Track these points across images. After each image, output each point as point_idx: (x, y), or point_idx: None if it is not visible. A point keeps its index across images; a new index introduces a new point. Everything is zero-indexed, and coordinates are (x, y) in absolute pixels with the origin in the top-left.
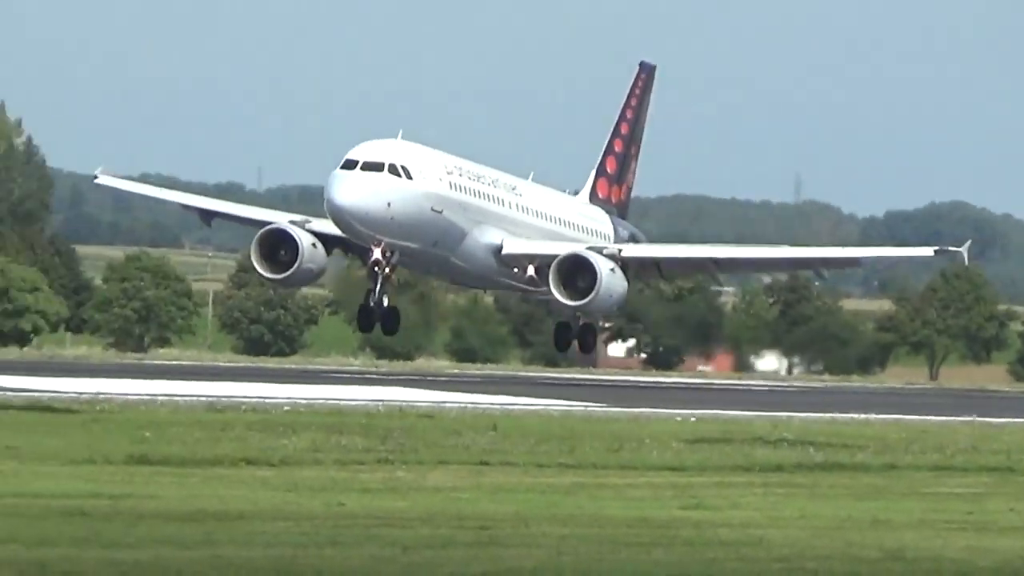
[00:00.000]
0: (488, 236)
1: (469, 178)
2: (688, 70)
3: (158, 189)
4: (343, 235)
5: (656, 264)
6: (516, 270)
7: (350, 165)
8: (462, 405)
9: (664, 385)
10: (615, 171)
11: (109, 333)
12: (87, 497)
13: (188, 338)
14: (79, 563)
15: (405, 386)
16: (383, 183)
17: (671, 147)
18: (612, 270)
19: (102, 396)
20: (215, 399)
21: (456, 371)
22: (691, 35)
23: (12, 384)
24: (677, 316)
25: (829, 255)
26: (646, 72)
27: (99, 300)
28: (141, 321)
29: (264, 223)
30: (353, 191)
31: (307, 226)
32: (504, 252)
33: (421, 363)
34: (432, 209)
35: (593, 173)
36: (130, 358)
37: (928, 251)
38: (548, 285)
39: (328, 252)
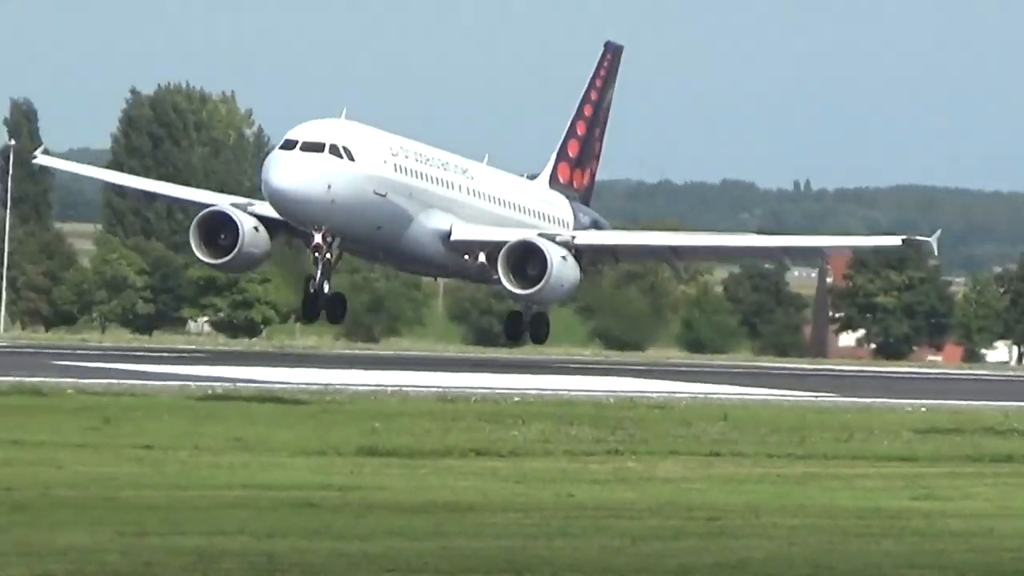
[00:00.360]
0: (436, 221)
1: (416, 160)
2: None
3: (97, 170)
4: None
5: (612, 252)
6: (467, 257)
7: (289, 145)
8: (693, 395)
9: (894, 375)
10: (577, 155)
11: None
12: (316, 489)
13: (418, 329)
14: (308, 554)
15: (635, 376)
16: (323, 164)
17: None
18: (564, 258)
19: (332, 387)
20: (445, 390)
21: (687, 361)
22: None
23: (242, 375)
24: (907, 305)
25: (790, 244)
26: (611, 52)
27: None
28: (372, 312)
29: (204, 205)
30: (291, 173)
31: (249, 209)
32: (453, 238)
33: (651, 354)
34: (375, 192)
35: (554, 157)
36: (359, 348)
37: (896, 240)
38: (497, 272)
39: (272, 236)
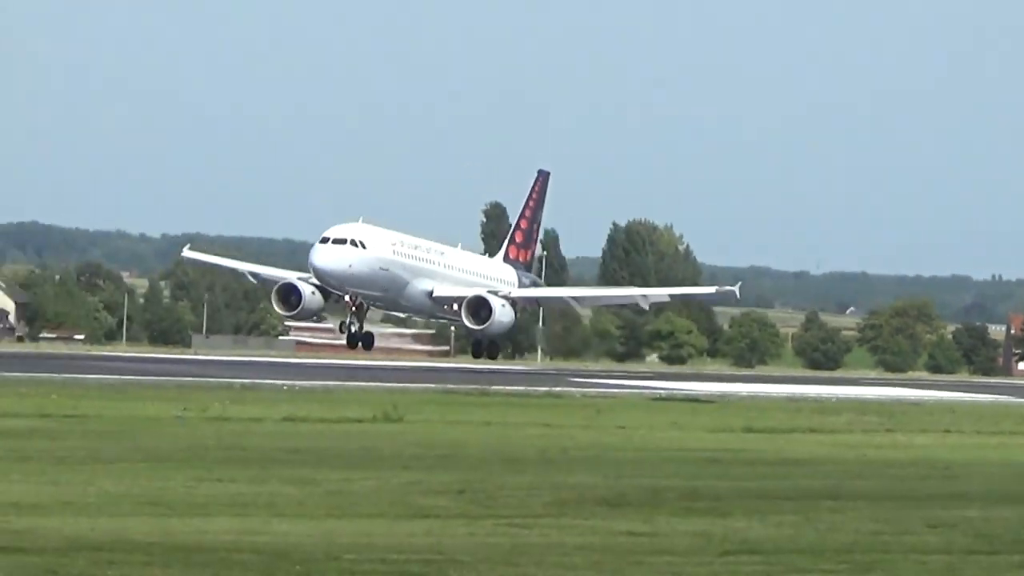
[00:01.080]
0: (424, 285)
1: (409, 248)
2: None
3: (231, 261)
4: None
5: (536, 300)
6: (446, 307)
7: (325, 240)
8: (935, 399)
9: None
10: (522, 241)
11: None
12: (718, 451)
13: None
14: (718, 489)
15: (899, 387)
16: (346, 252)
17: None
18: (503, 305)
19: (728, 395)
20: (791, 395)
21: (933, 378)
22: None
23: (677, 386)
24: None
25: (644, 293)
26: (541, 176)
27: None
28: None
29: (282, 279)
30: (326, 257)
31: (309, 280)
32: (434, 295)
33: (910, 374)
34: (380, 268)
35: (506, 243)
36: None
37: (710, 290)
38: (462, 316)
39: (325, 298)
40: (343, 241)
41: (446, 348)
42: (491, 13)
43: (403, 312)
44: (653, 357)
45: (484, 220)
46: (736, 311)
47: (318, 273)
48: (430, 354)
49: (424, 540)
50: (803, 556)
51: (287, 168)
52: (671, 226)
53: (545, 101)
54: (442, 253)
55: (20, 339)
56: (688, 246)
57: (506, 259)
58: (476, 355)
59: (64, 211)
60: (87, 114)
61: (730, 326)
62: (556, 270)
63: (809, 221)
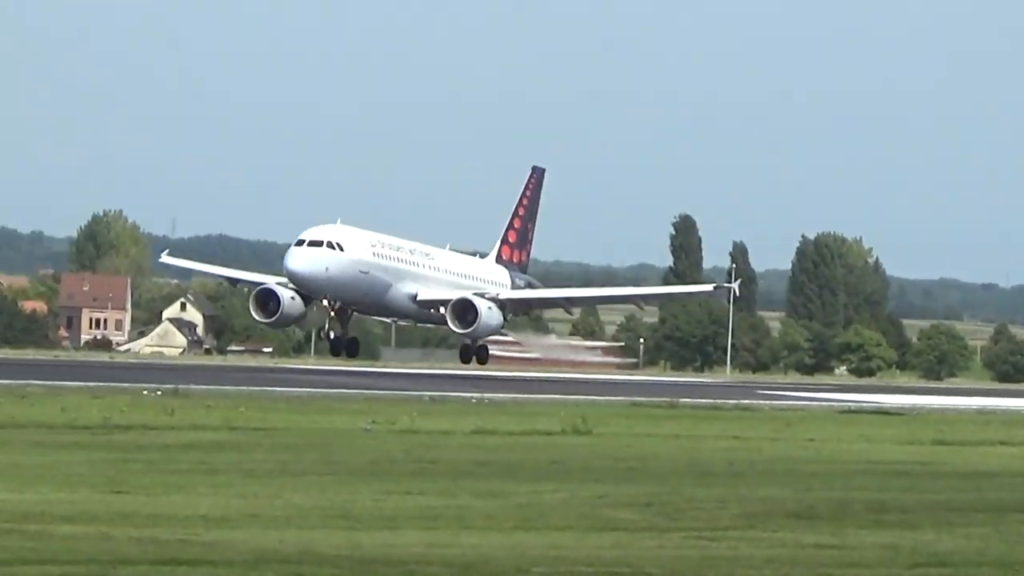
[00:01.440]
0: (407, 288)
1: (390, 249)
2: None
3: (206, 265)
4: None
5: (527, 303)
6: (432, 310)
7: (300, 243)
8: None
9: None
10: (515, 241)
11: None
12: (904, 463)
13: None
14: (905, 502)
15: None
16: (322, 255)
17: None
18: (489, 308)
19: (916, 406)
20: (981, 408)
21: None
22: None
23: (862, 399)
24: None
25: (643, 292)
26: (537, 174)
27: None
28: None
29: (259, 283)
30: (302, 260)
31: (288, 285)
32: (419, 299)
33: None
34: (360, 271)
35: (498, 243)
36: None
37: (707, 287)
38: (447, 320)
39: (306, 303)
40: (319, 243)
41: (634, 360)
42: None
43: (387, 316)
44: (842, 370)
45: (673, 233)
46: (925, 323)
47: (293, 278)
48: (618, 367)
49: (612, 553)
50: (992, 569)
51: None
52: (860, 239)
53: (738, 113)
54: (427, 255)
55: (208, 352)
56: (878, 259)
57: (499, 260)
58: (464, 360)
59: (252, 224)
60: (269, 128)
61: (919, 339)
62: (746, 282)
63: (999, 233)
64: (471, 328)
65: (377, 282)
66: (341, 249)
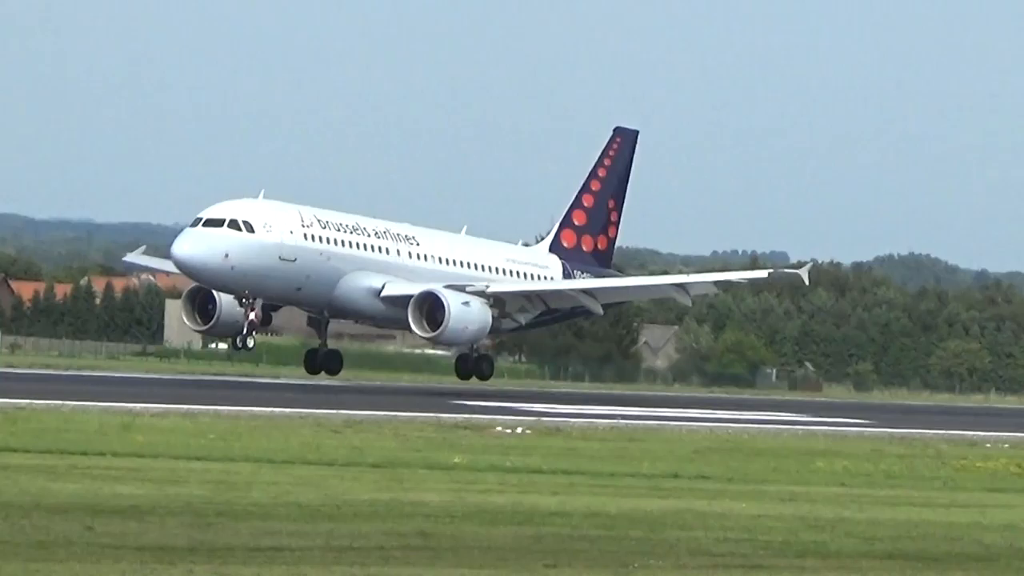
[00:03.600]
0: (366, 280)
1: (337, 230)
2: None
3: (156, 260)
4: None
5: (528, 296)
6: (400, 308)
7: (196, 223)
8: None
9: None
10: (585, 224)
11: None
12: None
13: None
14: None
15: None
16: (219, 237)
17: None
18: (466, 303)
19: None
20: None
21: None
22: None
23: None
24: None
25: (672, 281)
26: (622, 136)
27: None
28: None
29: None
30: (191, 245)
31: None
32: (384, 294)
33: None
34: (280, 258)
35: (555, 227)
36: None
37: (763, 273)
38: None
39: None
40: (219, 223)
41: None
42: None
43: (345, 317)
44: None
45: None
46: None
47: (181, 267)
48: None
49: None
50: None
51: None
52: None
53: None
54: (408, 237)
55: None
56: None
57: (555, 248)
58: (462, 375)
59: None
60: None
61: None
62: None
63: None
64: (438, 331)
65: (316, 272)
66: (250, 230)
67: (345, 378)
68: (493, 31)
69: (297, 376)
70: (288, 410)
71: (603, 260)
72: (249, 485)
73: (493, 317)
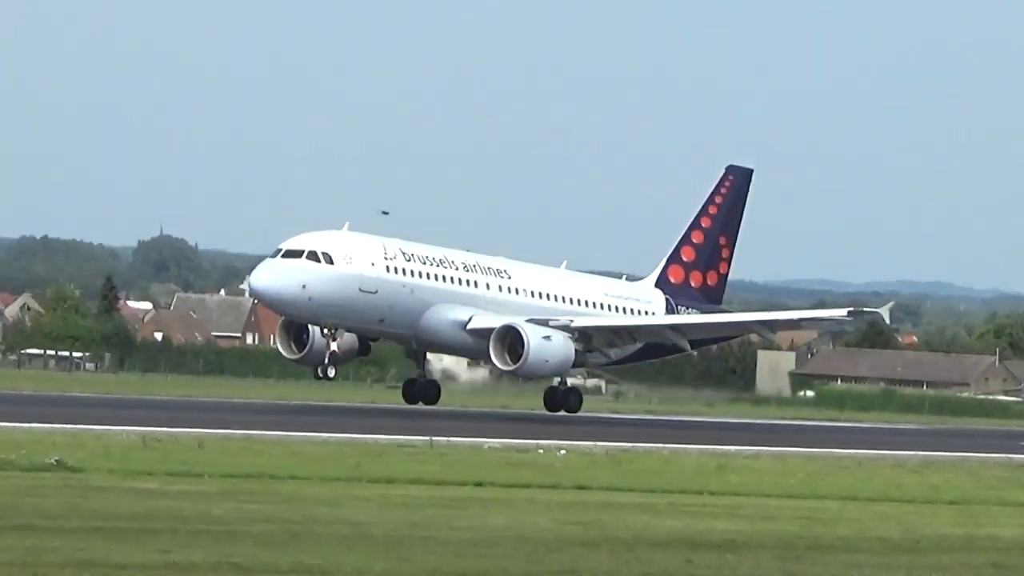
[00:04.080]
0: (452, 313)
1: (423, 262)
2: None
3: None
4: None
5: (615, 331)
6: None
7: (275, 254)
8: None
9: None
10: (694, 260)
11: None
12: None
13: None
14: None
15: None
16: (297, 268)
17: None
18: (547, 337)
19: None
20: None
21: None
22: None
23: None
24: None
25: (754, 319)
26: (734, 175)
27: None
28: None
29: None
30: (268, 276)
31: None
32: (471, 327)
33: None
34: (361, 289)
35: (663, 262)
36: None
37: (841, 312)
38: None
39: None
40: (298, 254)
41: None
42: None
43: (433, 349)
44: None
45: None
46: None
47: (259, 298)
48: None
49: None
50: None
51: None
52: None
53: None
54: (499, 271)
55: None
56: None
57: (662, 283)
58: (550, 407)
59: None
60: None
61: None
62: None
63: None
64: (519, 364)
65: (399, 304)
66: (329, 261)
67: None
68: (614, 69)
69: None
70: (870, 452)
71: (713, 296)
72: (835, 521)
73: (578, 351)
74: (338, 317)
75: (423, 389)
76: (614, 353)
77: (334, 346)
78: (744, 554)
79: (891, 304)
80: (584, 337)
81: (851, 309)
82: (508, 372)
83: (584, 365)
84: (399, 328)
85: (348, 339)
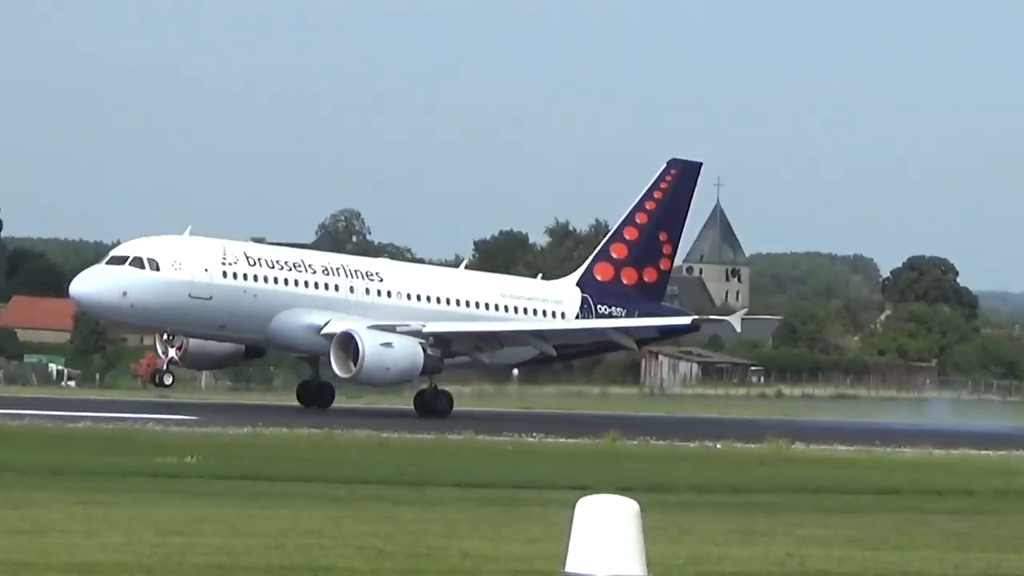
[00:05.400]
0: (309, 318)
1: (271, 267)
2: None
3: None
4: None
5: (494, 336)
6: None
7: (99, 261)
8: None
9: None
10: (625, 256)
11: None
12: None
13: None
14: None
15: None
16: (118, 275)
17: None
18: (387, 344)
19: None
20: None
21: None
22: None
23: None
24: None
25: (604, 326)
26: (676, 168)
27: None
28: None
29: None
30: (88, 282)
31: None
32: (325, 331)
33: None
34: (191, 296)
35: (590, 259)
36: None
37: (686, 320)
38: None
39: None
40: (122, 260)
41: None
42: None
43: (288, 352)
44: None
45: None
46: None
47: (78, 304)
48: None
49: None
50: None
51: None
52: None
53: None
54: (370, 274)
55: None
56: None
57: (583, 281)
58: (420, 411)
59: None
60: None
61: None
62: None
63: None
64: (353, 372)
65: (239, 309)
66: (155, 268)
67: None
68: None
69: None
70: None
71: (653, 293)
72: None
73: (434, 357)
74: (168, 323)
75: (318, 391)
76: (487, 357)
77: (172, 352)
78: None
79: (743, 312)
80: (442, 342)
81: (695, 318)
82: (347, 379)
83: (439, 371)
84: (246, 333)
85: (227, 345)
